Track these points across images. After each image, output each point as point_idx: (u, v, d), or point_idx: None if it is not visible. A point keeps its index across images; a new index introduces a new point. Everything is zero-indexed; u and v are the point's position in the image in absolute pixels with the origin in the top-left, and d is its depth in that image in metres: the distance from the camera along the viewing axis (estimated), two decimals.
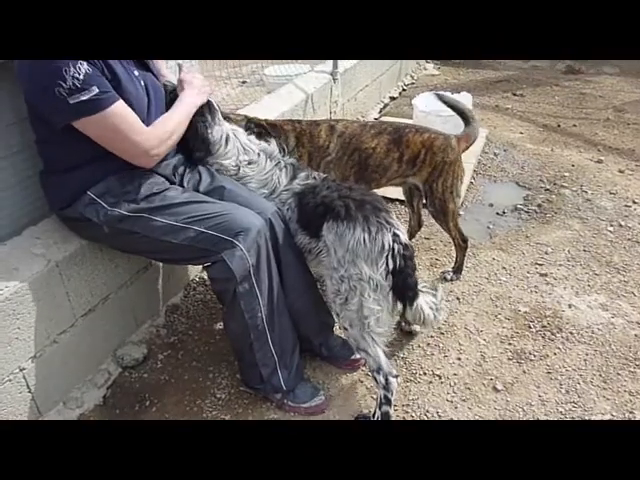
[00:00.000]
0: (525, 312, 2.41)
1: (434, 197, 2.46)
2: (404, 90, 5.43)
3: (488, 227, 3.09)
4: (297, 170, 2.03)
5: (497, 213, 3.23)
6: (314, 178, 2.00)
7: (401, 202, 3.21)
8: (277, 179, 2.01)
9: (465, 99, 3.64)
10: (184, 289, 2.52)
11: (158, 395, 2.05)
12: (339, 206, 1.82)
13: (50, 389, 1.86)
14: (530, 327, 2.33)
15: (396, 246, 1.77)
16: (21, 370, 1.74)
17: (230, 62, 5.95)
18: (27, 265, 1.73)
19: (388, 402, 1.83)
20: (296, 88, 3.42)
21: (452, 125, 3.49)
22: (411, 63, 5.76)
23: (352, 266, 1.79)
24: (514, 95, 5.30)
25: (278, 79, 3.95)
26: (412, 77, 5.75)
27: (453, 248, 2.81)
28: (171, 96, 1.93)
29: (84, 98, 1.52)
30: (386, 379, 1.84)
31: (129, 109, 1.64)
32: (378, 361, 1.85)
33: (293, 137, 2.39)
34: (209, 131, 1.97)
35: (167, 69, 2.16)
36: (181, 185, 1.92)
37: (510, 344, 2.24)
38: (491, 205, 3.33)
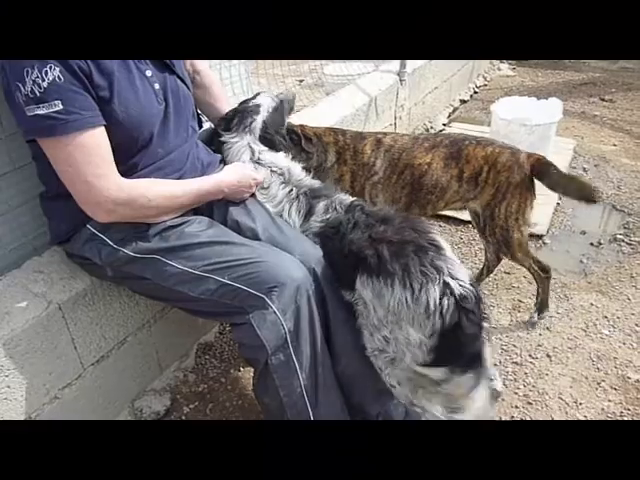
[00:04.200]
0: (636, 381, 1.91)
1: (495, 225, 2.01)
2: (475, 93, 4.92)
3: (581, 261, 2.58)
4: (313, 200, 1.59)
5: (591, 244, 2.71)
6: (335, 209, 1.55)
7: None
8: (286, 215, 1.59)
9: (554, 106, 3.12)
10: (220, 324, 2.17)
11: None
12: (370, 256, 1.37)
13: None
14: None
15: (446, 301, 1.30)
16: None
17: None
18: (21, 309, 1.41)
19: None
20: (358, 90, 3.00)
21: (538, 136, 3.01)
22: (484, 63, 5.23)
23: (397, 328, 1.37)
24: (602, 100, 4.68)
25: (338, 79, 3.55)
26: (485, 78, 5.22)
27: None
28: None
29: (40, 112, 1.18)
30: None
31: (103, 143, 1.28)
32: (437, 417, 1.47)
33: (334, 152, 2.03)
34: None
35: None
36: (210, 215, 1.55)
37: None
38: (583, 233, 2.80)
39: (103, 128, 1.29)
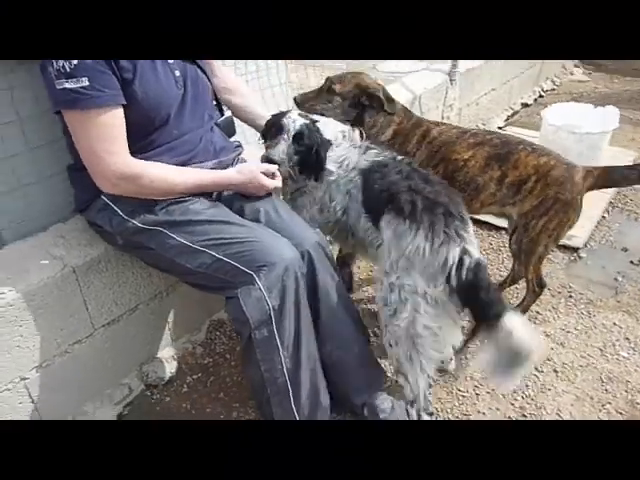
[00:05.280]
0: None
1: (526, 236, 1.95)
2: (541, 97, 4.72)
3: (615, 279, 2.46)
4: (369, 149, 1.76)
5: (631, 262, 2.57)
6: (385, 155, 1.72)
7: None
8: (350, 157, 1.74)
9: (610, 115, 2.97)
10: None
11: None
12: (405, 201, 1.50)
13: (58, 401, 1.70)
14: None
15: (466, 259, 1.43)
16: (22, 379, 1.59)
17: None
18: (39, 268, 1.57)
19: None
20: (402, 87, 3.00)
21: (587, 145, 2.89)
22: (554, 66, 5.00)
23: (405, 275, 1.47)
24: None
25: (385, 76, 3.54)
26: (554, 82, 4.99)
27: (562, 300, 2.30)
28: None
29: (68, 86, 1.32)
30: (419, 416, 1.57)
31: (118, 122, 1.40)
32: (416, 391, 1.56)
33: (391, 130, 2.07)
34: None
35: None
36: (218, 198, 1.65)
37: None
38: (625, 250, 2.66)
39: (121, 108, 1.41)
